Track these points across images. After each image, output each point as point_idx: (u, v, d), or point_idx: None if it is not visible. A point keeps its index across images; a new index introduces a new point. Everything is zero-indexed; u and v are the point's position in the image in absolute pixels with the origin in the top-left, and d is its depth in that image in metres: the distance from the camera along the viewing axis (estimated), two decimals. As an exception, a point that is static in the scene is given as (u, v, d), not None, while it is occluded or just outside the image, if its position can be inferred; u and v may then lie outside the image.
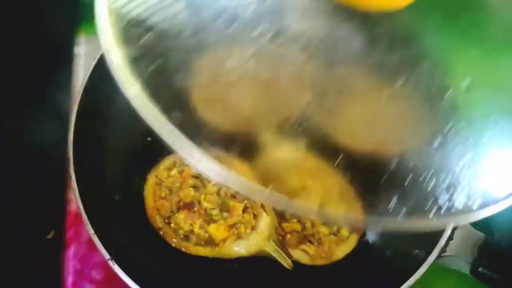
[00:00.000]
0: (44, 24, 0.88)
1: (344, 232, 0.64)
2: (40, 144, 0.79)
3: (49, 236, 0.76)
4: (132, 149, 0.74)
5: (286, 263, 0.61)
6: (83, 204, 0.62)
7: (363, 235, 0.67)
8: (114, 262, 0.58)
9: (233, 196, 0.63)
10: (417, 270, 0.60)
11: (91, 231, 0.59)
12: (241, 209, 0.62)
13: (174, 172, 0.66)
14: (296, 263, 0.63)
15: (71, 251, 0.74)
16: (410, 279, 0.60)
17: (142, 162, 0.71)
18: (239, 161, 0.68)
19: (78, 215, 0.76)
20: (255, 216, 0.63)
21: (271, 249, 0.62)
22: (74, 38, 0.89)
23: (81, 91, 0.68)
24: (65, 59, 0.86)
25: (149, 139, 0.75)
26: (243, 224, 0.62)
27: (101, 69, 0.71)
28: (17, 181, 0.77)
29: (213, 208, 0.62)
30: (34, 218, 0.76)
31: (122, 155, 0.73)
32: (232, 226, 0.62)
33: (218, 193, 0.63)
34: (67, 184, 0.75)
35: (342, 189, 0.67)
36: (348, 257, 0.64)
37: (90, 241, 0.75)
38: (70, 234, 0.75)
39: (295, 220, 0.64)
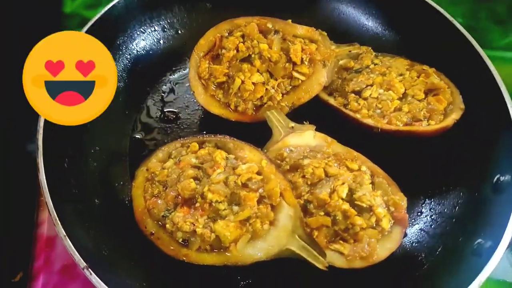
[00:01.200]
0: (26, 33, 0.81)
1: (385, 224, 0.50)
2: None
3: (16, 279, 0.61)
4: (114, 146, 0.62)
5: (319, 262, 0.46)
6: (54, 205, 0.48)
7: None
8: (91, 271, 0.43)
9: (245, 185, 0.49)
10: (483, 268, 0.47)
11: (62, 233, 0.45)
12: (255, 199, 0.48)
13: (169, 163, 0.53)
14: (329, 267, 0.48)
15: (39, 283, 0.59)
16: (475, 280, 0.46)
17: (128, 160, 0.59)
18: (251, 148, 0.56)
19: (49, 240, 0.61)
20: (273, 207, 0.49)
21: (297, 247, 0.47)
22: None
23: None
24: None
25: (137, 136, 0.64)
26: (258, 218, 0.48)
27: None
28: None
29: (220, 201, 0.49)
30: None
31: (103, 153, 0.60)
32: (244, 222, 0.48)
33: (225, 182, 0.50)
34: (38, 195, 0.62)
35: (374, 173, 0.55)
36: (392, 257, 0.50)
37: (63, 269, 0.60)
38: (40, 263, 0.60)
39: (322, 213, 0.50)
